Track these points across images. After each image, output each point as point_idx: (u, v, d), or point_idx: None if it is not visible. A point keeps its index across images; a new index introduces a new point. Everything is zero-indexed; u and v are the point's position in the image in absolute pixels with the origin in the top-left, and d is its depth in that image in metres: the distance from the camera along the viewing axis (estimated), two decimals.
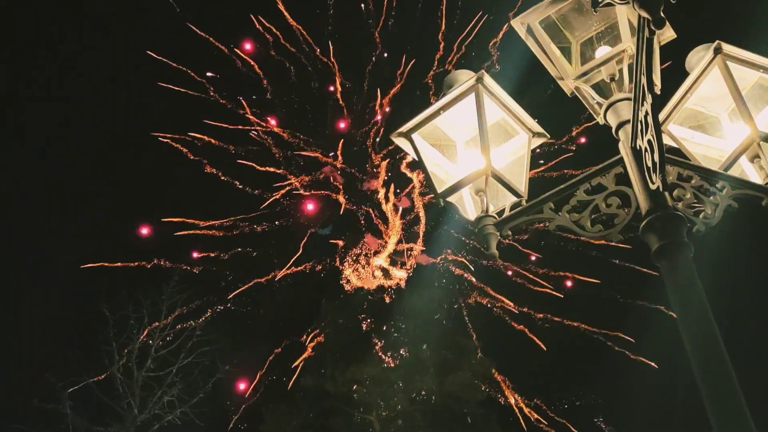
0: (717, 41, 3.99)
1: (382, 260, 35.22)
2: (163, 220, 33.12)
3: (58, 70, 34.81)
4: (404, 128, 4.35)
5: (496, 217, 4.02)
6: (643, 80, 3.18)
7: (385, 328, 27.45)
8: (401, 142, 4.39)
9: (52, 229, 32.69)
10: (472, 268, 35.50)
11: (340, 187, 36.53)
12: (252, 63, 36.45)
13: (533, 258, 34.98)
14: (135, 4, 36.03)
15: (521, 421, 32.08)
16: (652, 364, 30.83)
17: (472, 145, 4.26)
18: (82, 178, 32.49)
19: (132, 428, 15.91)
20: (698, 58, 4.10)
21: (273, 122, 36.70)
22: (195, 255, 33.39)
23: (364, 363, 23.97)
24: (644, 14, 2.69)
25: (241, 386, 31.06)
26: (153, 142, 33.86)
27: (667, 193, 3.38)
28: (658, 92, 3.86)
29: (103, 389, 16.18)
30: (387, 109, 37.15)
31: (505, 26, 34.61)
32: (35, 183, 32.95)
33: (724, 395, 3.23)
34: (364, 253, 35.84)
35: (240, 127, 35.87)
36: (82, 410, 15.26)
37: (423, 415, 24.95)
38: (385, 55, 37.69)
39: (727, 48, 3.97)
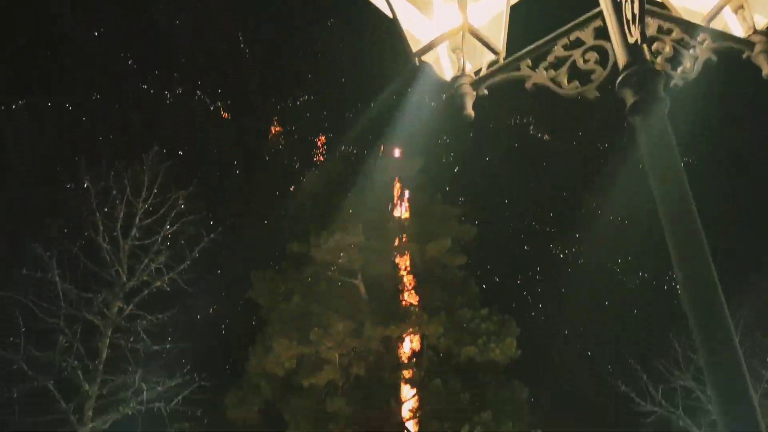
0: None
1: None
2: None
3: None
4: None
5: (473, 76, 3.92)
6: None
7: (369, 198, 27.71)
8: None
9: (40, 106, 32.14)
10: None
11: None
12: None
13: None
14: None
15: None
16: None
17: (450, 1, 4.08)
18: None
19: (121, 294, 16.27)
20: None
21: None
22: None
23: (347, 231, 24.38)
24: None
25: (227, 255, 31.60)
26: None
27: (645, 47, 3.29)
28: None
29: (91, 259, 16.37)
30: None
31: None
32: None
33: (692, 250, 3.29)
34: None
35: None
36: (70, 279, 15.51)
37: (406, 279, 25.79)
38: None
39: None
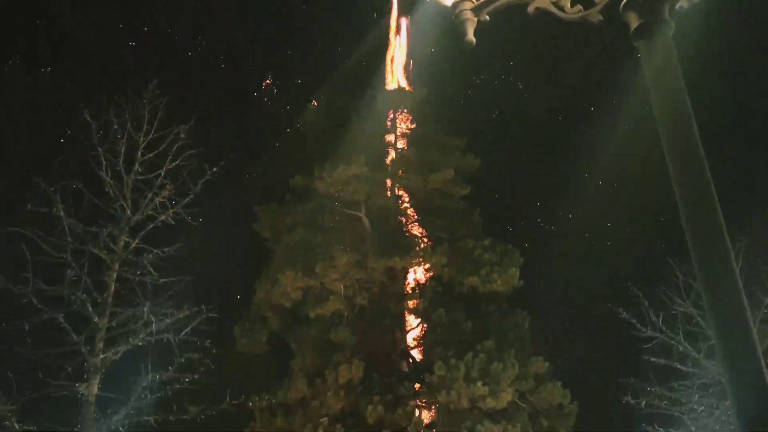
0: None
1: None
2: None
3: None
4: None
5: (474, 1, 3.82)
6: None
7: (371, 129, 27.53)
8: None
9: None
10: None
11: None
12: None
13: None
14: None
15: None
16: None
17: None
18: None
19: (127, 228, 16.36)
20: None
21: None
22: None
23: (349, 163, 24.34)
24: None
25: (231, 188, 31.63)
26: None
27: None
28: None
29: (94, 194, 16.40)
30: None
31: None
32: None
33: (693, 176, 3.28)
34: None
35: None
36: (75, 214, 15.58)
37: (409, 210, 25.89)
38: None
39: None
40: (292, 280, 22.85)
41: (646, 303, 19.18)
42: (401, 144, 27.72)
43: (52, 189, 15.38)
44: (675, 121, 3.25)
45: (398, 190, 26.08)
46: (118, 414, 14.83)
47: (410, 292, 24.44)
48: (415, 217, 26.00)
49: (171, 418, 15.72)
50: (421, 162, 25.73)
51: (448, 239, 24.75)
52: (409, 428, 20.93)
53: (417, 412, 21.28)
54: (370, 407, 20.94)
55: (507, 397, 21.06)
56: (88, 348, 14.94)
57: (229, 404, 16.48)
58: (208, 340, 16.37)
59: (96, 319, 15.15)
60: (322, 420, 21.21)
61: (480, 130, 34.14)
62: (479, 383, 20.58)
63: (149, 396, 15.37)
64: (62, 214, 15.36)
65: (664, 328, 18.91)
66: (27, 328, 14.49)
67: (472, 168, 27.06)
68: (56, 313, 14.66)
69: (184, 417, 15.92)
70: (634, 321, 19.09)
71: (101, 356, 15.02)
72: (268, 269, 24.81)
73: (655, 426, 18.82)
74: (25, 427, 13.78)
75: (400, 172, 25.69)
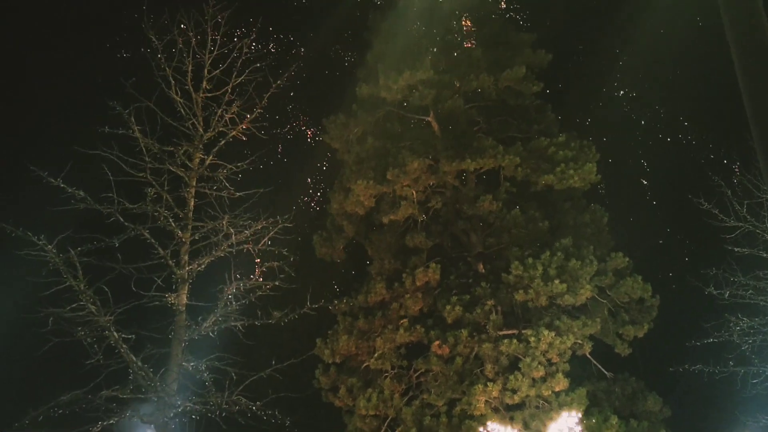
0: None
1: None
2: None
3: None
4: None
5: None
6: None
7: (435, 31, 26.82)
8: None
9: None
10: None
11: None
12: None
13: None
14: None
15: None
16: None
17: None
18: None
19: (200, 145, 16.81)
20: None
21: None
22: None
23: (416, 69, 23.90)
24: None
25: (297, 102, 31.78)
26: None
27: None
28: None
29: (167, 114, 16.76)
30: None
31: None
32: None
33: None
34: None
35: None
36: (150, 134, 16.04)
37: (479, 112, 25.36)
38: None
39: None
40: (364, 189, 23.05)
41: (729, 192, 18.48)
42: (469, 43, 26.95)
43: (127, 111, 15.84)
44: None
45: (467, 91, 25.49)
46: (207, 321, 15.68)
47: (483, 194, 24.24)
48: (486, 117, 25.49)
49: (257, 322, 16.50)
50: (491, 61, 25.00)
51: (521, 138, 24.26)
52: (487, 326, 21.27)
53: (495, 311, 21.53)
54: (448, 307, 21.34)
55: (586, 293, 21.00)
56: (174, 261, 15.72)
57: (310, 308, 17.09)
58: (285, 249, 16.91)
59: (179, 234, 15.86)
60: (402, 321, 21.80)
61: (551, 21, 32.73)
62: (557, 281, 20.55)
63: (234, 303, 16.12)
64: (138, 135, 15.88)
65: (748, 216, 18.25)
66: (117, 244, 15.30)
67: (543, 64, 26.10)
68: (142, 229, 15.40)
69: (269, 321, 16.68)
70: (716, 211, 18.48)
71: (187, 268, 15.80)
72: (341, 179, 25.11)
73: (739, 315, 18.47)
74: (124, 336, 14.76)
75: (468, 72, 25.02)
